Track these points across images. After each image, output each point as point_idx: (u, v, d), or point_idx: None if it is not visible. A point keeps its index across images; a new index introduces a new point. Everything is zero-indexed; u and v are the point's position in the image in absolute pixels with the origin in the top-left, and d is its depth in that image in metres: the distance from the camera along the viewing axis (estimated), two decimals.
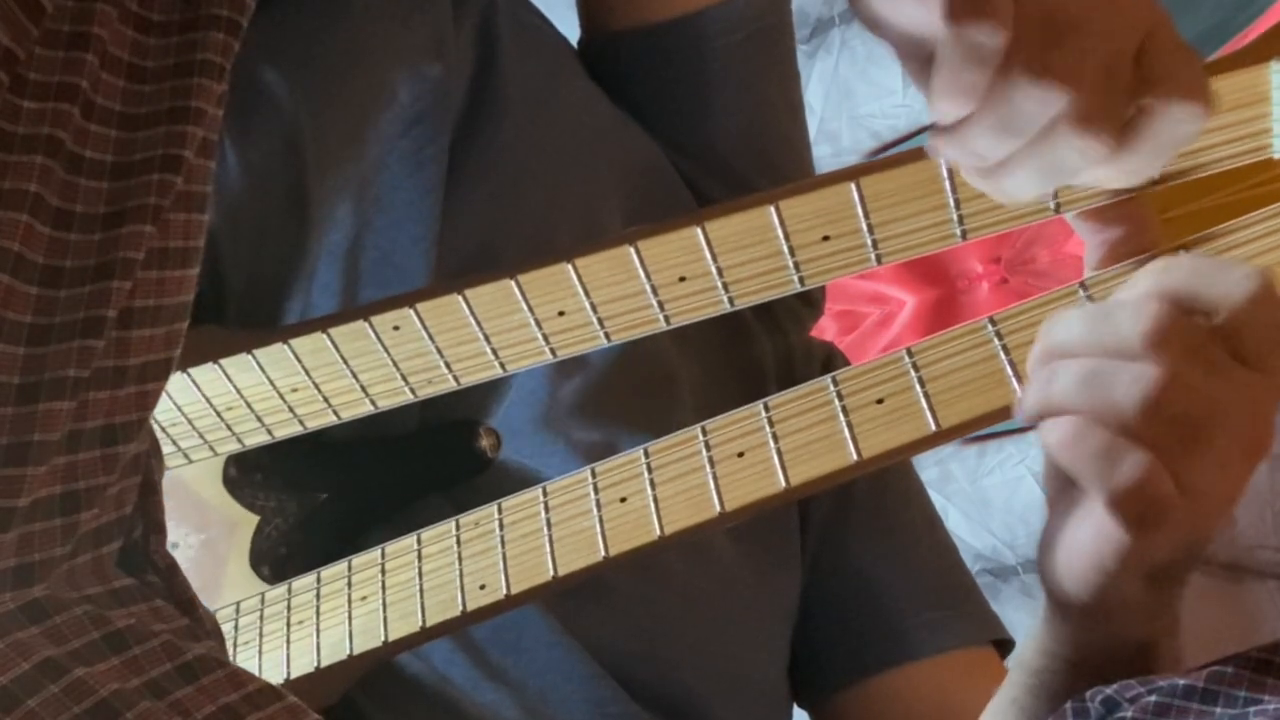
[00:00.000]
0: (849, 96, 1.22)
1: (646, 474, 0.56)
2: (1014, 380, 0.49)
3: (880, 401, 0.52)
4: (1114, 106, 0.39)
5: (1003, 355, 0.50)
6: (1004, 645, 0.74)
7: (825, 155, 1.24)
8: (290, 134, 0.61)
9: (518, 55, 0.67)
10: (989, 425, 0.50)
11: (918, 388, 0.51)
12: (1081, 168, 0.40)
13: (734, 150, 0.74)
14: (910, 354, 0.51)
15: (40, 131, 0.36)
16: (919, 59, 0.41)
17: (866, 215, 0.50)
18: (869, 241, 0.50)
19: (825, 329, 1.09)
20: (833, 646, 0.73)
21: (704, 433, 0.55)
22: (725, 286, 0.53)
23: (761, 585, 0.71)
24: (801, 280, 0.52)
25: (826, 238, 0.51)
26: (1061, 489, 0.46)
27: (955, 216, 0.49)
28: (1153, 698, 0.43)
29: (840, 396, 0.52)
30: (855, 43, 1.21)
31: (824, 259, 0.52)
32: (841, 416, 0.52)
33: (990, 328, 0.50)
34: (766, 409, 0.54)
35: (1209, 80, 0.41)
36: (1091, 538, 0.43)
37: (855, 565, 0.73)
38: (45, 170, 0.36)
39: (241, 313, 0.65)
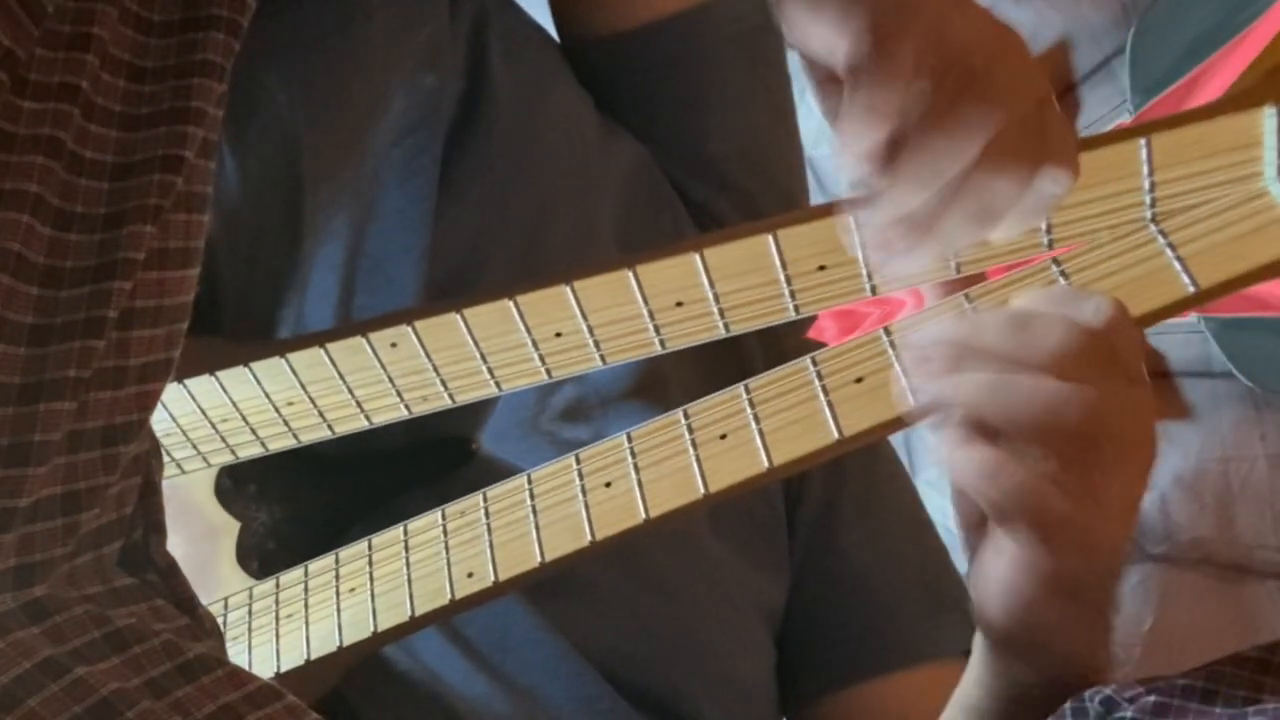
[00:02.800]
0: None
1: (630, 458, 0.56)
2: None
3: (859, 380, 0.52)
4: (1032, 144, 0.41)
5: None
6: None
7: (825, 155, 1.24)
8: (288, 142, 0.61)
9: (509, 64, 0.67)
10: None
11: (897, 365, 0.51)
12: (1011, 205, 0.41)
13: (721, 153, 0.74)
14: (888, 333, 0.51)
15: (41, 132, 0.37)
16: (825, 74, 0.42)
17: (864, 245, 0.50)
18: (864, 272, 0.51)
19: (825, 329, 1.09)
20: (818, 651, 0.73)
21: (686, 416, 0.55)
22: (721, 313, 0.53)
23: (748, 586, 0.71)
24: (797, 309, 0.53)
25: (822, 267, 0.51)
26: (973, 524, 0.47)
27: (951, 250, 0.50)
28: (1152, 697, 0.43)
29: (820, 376, 0.53)
30: None
31: (819, 288, 0.52)
32: (822, 396, 0.52)
33: (967, 304, 0.50)
34: (748, 390, 0.54)
35: (1078, 154, 0.43)
36: (1003, 564, 0.44)
37: (842, 570, 0.74)
38: (46, 171, 0.37)
39: (236, 320, 0.65)
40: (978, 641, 0.49)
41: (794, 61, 0.87)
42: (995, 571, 0.45)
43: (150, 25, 0.41)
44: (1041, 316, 0.44)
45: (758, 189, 0.76)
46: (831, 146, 0.40)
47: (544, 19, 0.75)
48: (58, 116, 0.37)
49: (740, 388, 0.54)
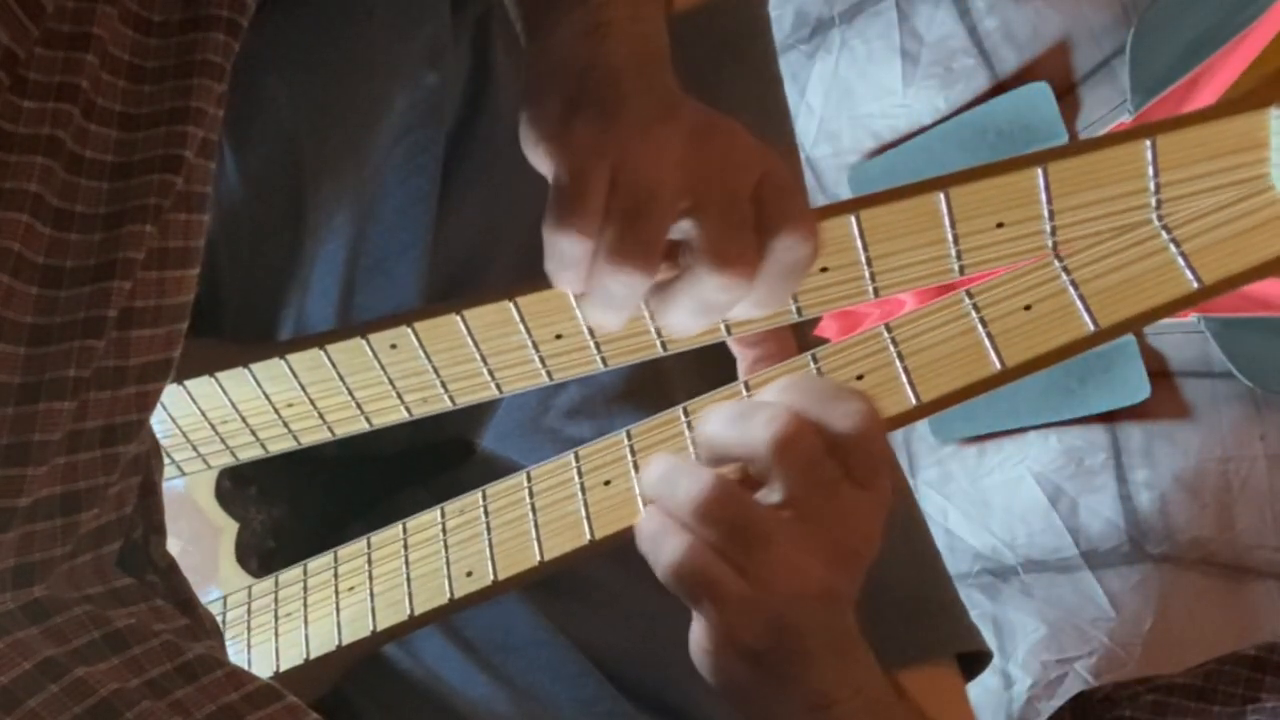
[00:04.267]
0: (849, 96, 1.22)
1: (630, 456, 0.56)
2: (992, 353, 0.50)
3: (860, 378, 0.52)
4: (739, 242, 0.43)
5: (980, 328, 0.50)
6: (979, 657, 0.73)
7: (825, 155, 1.24)
8: (288, 141, 0.61)
9: (510, 62, 0.67)
10: (968, 398, 0.51)
11: (897, 363, 0.51)
12: (729, 302, 0.44)
13: None
14: (889, 329, 0.51)
15: (41, 132, 0.37)
16: None
17: (865, 248, 0.50)
18: (867, 274, 0.51)
19: (826, 328, 1.09)
20: None
21: (686, 413, 0.55)
22: None
23: None
24: (799, 310, 0.53)
25: (825, 269, 0.51)
26: None
27: (954, 252, 0.50)
28: (1150, 696, 0.43)
29: (820, 374, 0.52)
30: (855, 43, 1.21)
31: (822, 290, 0.52)
32: None
33: (967, 300, 0.50)
34: (748, 388, 0.54)
35: (815, 215, 0.46)
36: (696, 626, 0.47)
37: None
38: (46, 170, 0.37)
39: (237, 320, 0.65)
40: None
41: (786, 68, 0.86)
42: (692, 633, 0.48)
43: (150, 25, 0.41)
44: (764, 409, 0.46)
45: None
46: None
47: None
48: (57, 116, 0.37)
49: (740, 385, 0.54)
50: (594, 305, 0.46)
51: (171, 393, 0.61)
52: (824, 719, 0.47)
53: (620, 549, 0.57)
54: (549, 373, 0.57)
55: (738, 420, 0.46)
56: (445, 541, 0.60)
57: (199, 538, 0.67)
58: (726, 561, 0.45)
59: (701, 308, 0.45)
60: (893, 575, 0.74)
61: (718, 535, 0.45)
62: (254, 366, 0.60)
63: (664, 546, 0.46)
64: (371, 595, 0.61)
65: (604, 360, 0.56)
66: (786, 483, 0.44)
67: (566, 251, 0.43)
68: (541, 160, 0.46)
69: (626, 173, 0.43)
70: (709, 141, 0.44)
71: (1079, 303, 0.49)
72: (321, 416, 0.61)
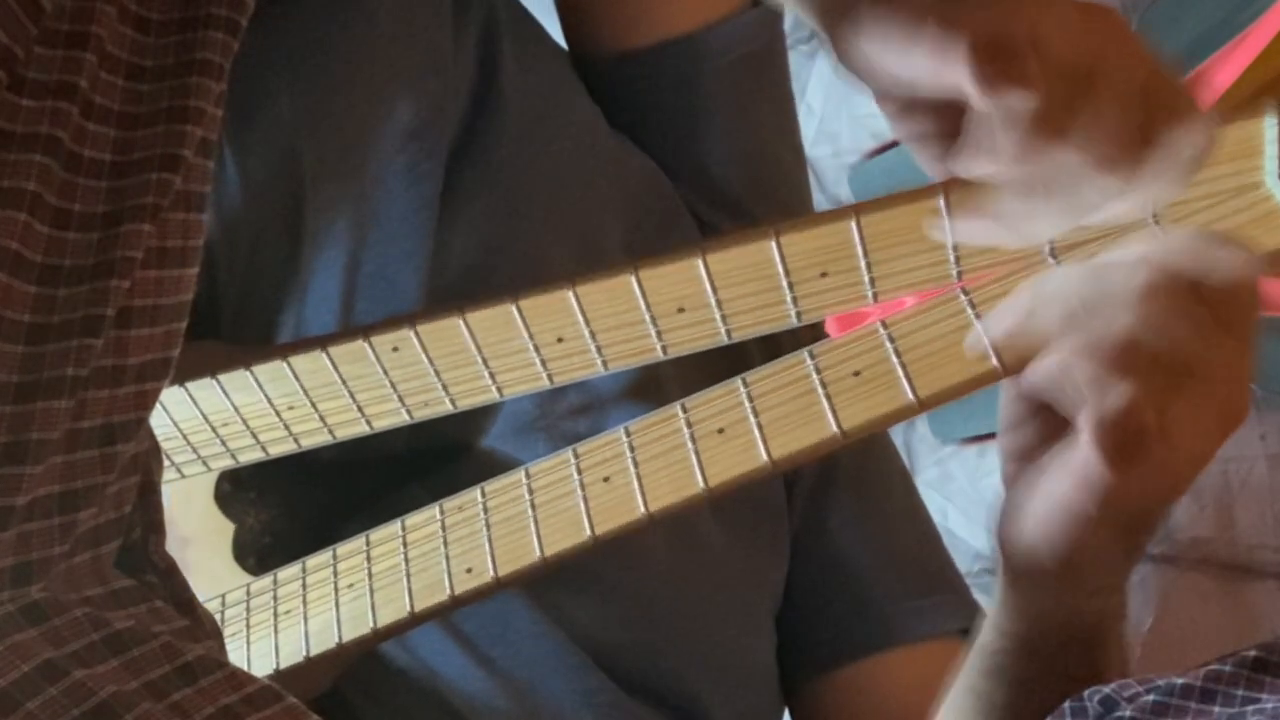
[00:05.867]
0: (849, 96, 1.22)
1: (629, 453, 0.56)
2: (991, 351, 0.50)
3: (857, 374, 0.52)
4: (1131, 145, 0.40)
5: (977, 325, 0.50)
6: None
7: (825, 155, 1.24)
8: (289, 146, 0.61)
9: (518, 71, 0.67)
10: (965, 393, 0.51)
11: (894, 359, 0.51)
12: (1102, 205, 0.42)
13: (726, 175, 0.74)
14: (885, 326, 0.51)
15: (39, 130, 0.37)
16: (904, 103, 0.42)
17: (865, 254, 0.50)
18: (866, 279, 0.51)
19: (826, 327, 1.09)
20: (809, 632, 0.73)
21: (684, 410, 0.55)
22: (724, 319, 0.53)
23: (749, 571, 0.71)
24: (799, 315, 0.53)
25: (825, 274, 0.51)
26: (1023, 455, 0.48)
27: (952, 257, 0.50)
28: (1150, 696, 0.43)
29: (818, 370, 0.53)
30: None
31: (821, 294, 0.52)
32: (820, 389, 0.52)
33: (963, 297, 0.50)
34: (745, 384, 0.54)
35: (1204, 112, 0.42)
36: (1070, 483, 0.44)
37: (835, 549, 0.74)
38: (44, 169, 0.36)
39: (235, 323, 0.65)
40: (998, 585, 0.49)
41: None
42: (1054, 492, 0.45)
43: (149, 24, 0.41)
44: (1119, 268, 0.44)
45: (762, 210, 0.76)
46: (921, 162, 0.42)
47: (554, 31, 0.75)
48: (56, 115, 0.37)
49: (738, 381, 0.54)
50: (1014, 192, 0.42)
51: (172, 394, 0.61)
52: (1104, 605, 0.47)
53: (620, 543, 0.57)
54: (550, 376, 0.57)
55: (1089, 276, 0.44)
56: (444, 539, 0.60)
57: (196, 536, 0.67)
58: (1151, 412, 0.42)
59: (1072, 210, 0.42)
60: (899, 553, 0.75)
61: (1145, 376, 0.42)
62: (256, 369, 0.60)
63: (1110, 392, 0.42)
64: (371, 592, 0.61)
65: (605, 363, 0.56)
66: (1181, 337, 0.42)
67: (1016, 109, 0.39)
68: (923, 48, 0.40)
69: (1040, 48, 0.39)
70: (1104, 21, 0.41)
71: None
72: (322, 419, 0.61)
